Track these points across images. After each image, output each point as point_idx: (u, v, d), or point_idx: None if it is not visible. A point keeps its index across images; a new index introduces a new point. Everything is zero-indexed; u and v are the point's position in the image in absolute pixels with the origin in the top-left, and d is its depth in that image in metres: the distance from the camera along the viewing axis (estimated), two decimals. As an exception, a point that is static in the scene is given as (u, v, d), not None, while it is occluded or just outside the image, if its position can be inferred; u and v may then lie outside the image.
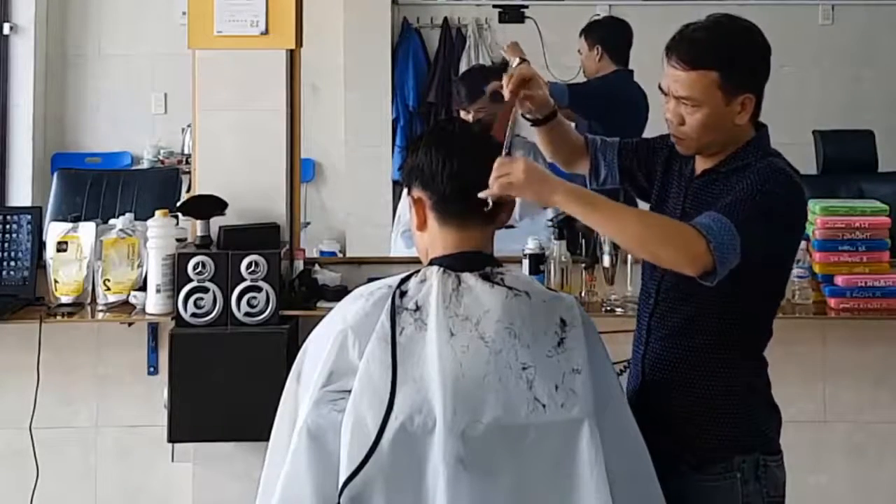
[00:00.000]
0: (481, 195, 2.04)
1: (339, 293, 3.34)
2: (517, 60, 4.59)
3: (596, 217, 2.10)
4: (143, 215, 3.64)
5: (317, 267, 3.66)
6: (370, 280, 2.32)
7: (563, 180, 2.13)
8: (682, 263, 2.07)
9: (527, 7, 6.65)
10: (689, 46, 2.22)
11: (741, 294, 2.20)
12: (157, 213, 3.48)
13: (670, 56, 2.24)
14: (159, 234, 3.43)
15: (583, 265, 3.56)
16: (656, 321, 2.33)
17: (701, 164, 2.34)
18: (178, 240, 3.48)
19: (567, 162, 2.54)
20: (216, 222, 3.42)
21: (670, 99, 2.26)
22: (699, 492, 2.24)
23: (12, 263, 3.60)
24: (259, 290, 3.31)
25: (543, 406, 1.90)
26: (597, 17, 5.16)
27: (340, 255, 5.72)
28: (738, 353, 2.28)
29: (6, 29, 6.26)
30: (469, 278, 2.00)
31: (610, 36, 4.73)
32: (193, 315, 3.30)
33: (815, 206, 3.58)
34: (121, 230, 3.58)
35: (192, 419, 3.32)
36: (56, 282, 3.54)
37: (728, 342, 2.26)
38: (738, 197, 2.15)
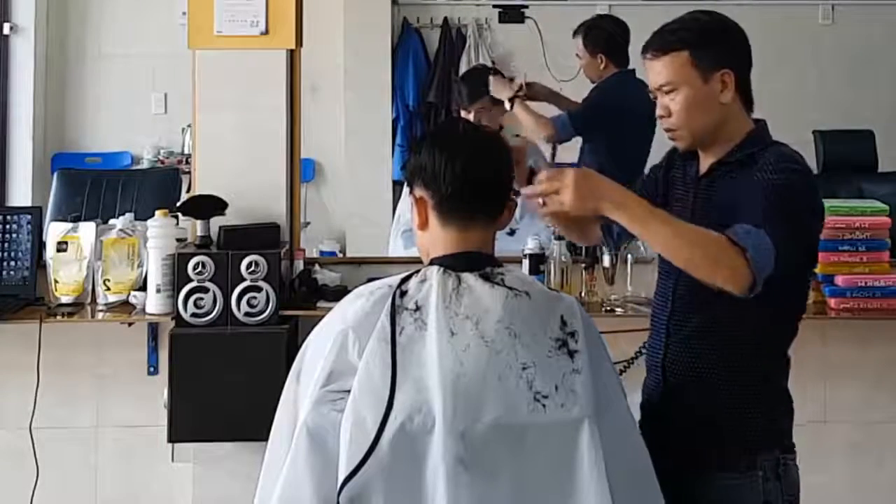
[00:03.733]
0: (526, 191, 2.10)
1: (339, 293, 3.33)
2: (508, 105, 4.54)
3: (640, 233, 2.10)
4: (143, 215, 3.64)
5: (317, 267, 3.66)
6: (370, 280, 2.32)
7: (614, 185, 2.10)
8: (725, 282, 2.05)
9: (527, 7, 6.65)
10: (658, 38, 2.29)
11: (771, 292, 2.14)
12: (157, 213, 3.48)
13: (645, 54, 2.31)
14: (159, 234, 3.43)
15: (583, 265, 3.56)
16: (675, 324, 2.31)
17: (705, 162, 2.32)
18: (178, 240, 3.48)
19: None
20: (216, 222, 3.41)
21: (656, 96, 2.29)
22: (721, 490, 2.24)
23: (12, 263, 3.60)
24: (259, 290, 3.31)
25: (543, 406, 1.90)
26: (592, 19, 5.00)
27: (340, 255, 5.72)
28: (765, 349, 2.27)
29: (6, 29, 6.26)
30: (469, 278, 2.00)
31: (611, 41, 4.67)
32: (193, 315, 3.30)
33: (815, 206, 3.58)
34: (121, 230, 3.58)
35: (192, 419, 3.32)
36: (56, 282, 3.54)
37: (754, 340, 2.25)
38: (764, 200, 2.12)
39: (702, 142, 2.30)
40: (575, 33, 4.78)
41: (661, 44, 2.28)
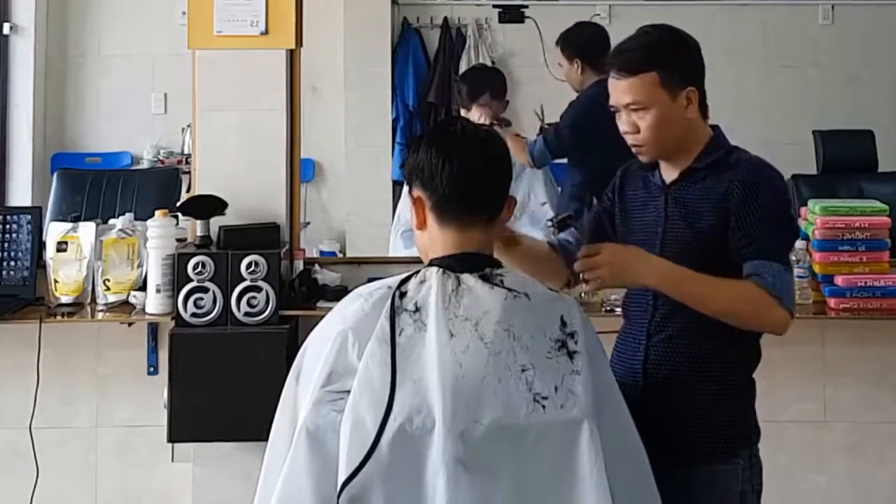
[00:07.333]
0: (586, 289, 2.29)
1: (339, 293, 3.34)
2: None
3: (679, 295, 2.24)
4: (143, 215, 3.64)
5: (317, 267, 3.66)
6: (370, 280, 2.32)
7: (644, 258, 2.24)
8: (769, 329, 2.27)
9: (527, 7, 6.65)
10: (623, 57, 2.34)
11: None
12: (157, 213, 3.48)
13: (610, 72, 2.36)
14: (159, 234, 3.43)
15: (583, 265, 3.55)
16: (656, 325, 2.36)
17: (671, 169, 2.39)
18: (178, 240, 3.48)
19: (549, 276, 2.49)
20: (216, 222, 3.42)
21: (621, 112, 2.35)
22: (705, 477, 2.29)
23: (12, 263, 3.60)
24: (259, 290, 3.31)
25: (543, 407, 1.90)
26: (571, 26, 4.75)
27: (340, 255, 5.72)
28: (743, 340, 2.33)
29: (6, 29, 6.26)
30: (469, 279, 2.00)
31: (587, 47, 4.48)
32: (193, 315, 3.30)
33: (815, 206, 3.58)
34: (121, 230, 3.58)
35: (192, 419, 3.32)
36: (56, 282, 3.54)
37: (734, 336, 2.29)
38: (764, 227, 2.25)
39: (666, 154, 2.38)
40: (557, 42, 4.65)
41: (628, 65, 2.32)
